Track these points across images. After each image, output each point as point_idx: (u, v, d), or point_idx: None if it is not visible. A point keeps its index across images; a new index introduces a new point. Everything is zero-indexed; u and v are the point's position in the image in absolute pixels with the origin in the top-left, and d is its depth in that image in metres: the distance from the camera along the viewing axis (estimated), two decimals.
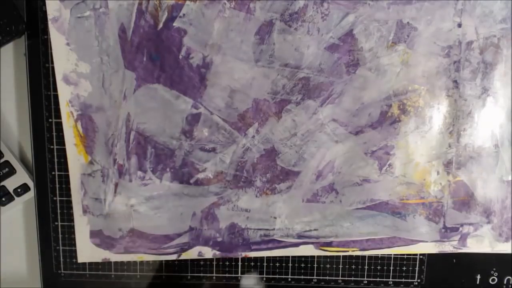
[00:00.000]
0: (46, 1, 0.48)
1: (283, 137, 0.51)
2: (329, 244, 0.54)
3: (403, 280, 0.56)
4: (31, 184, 0.54)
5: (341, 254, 0.55)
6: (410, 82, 0.50)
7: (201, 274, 0.56)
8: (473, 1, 0.49)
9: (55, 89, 0.51)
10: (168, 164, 0.52)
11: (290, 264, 0.56)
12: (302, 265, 0.56)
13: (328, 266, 0.56)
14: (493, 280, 0.56)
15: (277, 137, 0.51)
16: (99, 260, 0.55)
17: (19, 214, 0.57)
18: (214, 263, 0.56)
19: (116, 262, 0.56)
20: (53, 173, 0.54)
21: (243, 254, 0.55)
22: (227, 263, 0.56)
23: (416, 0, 0.49)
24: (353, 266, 0.56)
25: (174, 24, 0.49)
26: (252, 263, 0.56)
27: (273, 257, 0.55)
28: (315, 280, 0.56)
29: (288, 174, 0.52)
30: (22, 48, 0.52)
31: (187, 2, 0.48)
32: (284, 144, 0.51)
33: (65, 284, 0.56)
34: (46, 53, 0.51)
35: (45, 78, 0.52)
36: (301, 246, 0.54)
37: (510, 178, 0.53)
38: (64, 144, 0.52)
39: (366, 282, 0.56)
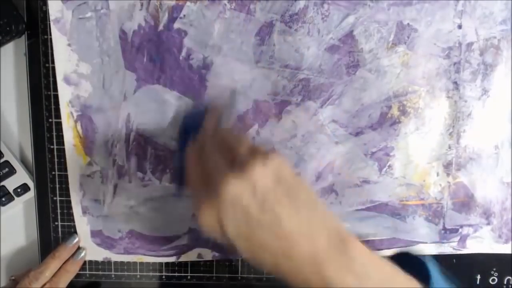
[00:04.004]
0: (49, 2, 0.48)
1: (283, 138, 0.51)
2: None
3: None
4: (31, 184, 0.54)
5: None
6: (410, 83, 0.50)
7: (201, 274, 0.56)
8: (473, 2, 0.49)
9: (55, 89, 0.51)
10: (168, 165, 0.52)
11: None
12: None
13: None
14: (493, 280, 0.56)
15: (277, 138, 0.51)
16: (100, 259, 0.55)
17: (19, 214, 0.57)
18: (214, 263, 0.56)
19: (116, 262, 0.56)
20: (53, 173, 0.54)
21: None
22: (227, 263, 0.56)
23: (416, 1, 0.49)
24: None
25: (174, 25, 0.49)
26: None
27: None
28: None
29: None
30: (22, 48, 0.52)
31: (188, 3, 0.48)
32: (284, 145, 0.51)
33: None
34: (46, 53, 0.51)
35: (45, 78, 0.51)
36: None
37: (510, 180, 0.53)
38: (64, 144, 0.52)
39: None
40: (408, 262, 0.39)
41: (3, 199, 0.54)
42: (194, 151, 0.41)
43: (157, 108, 0.51)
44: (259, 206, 0.34)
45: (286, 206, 0.35)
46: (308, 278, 0.34)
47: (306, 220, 0.35)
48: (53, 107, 0.52)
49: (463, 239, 0.54)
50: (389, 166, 0.52)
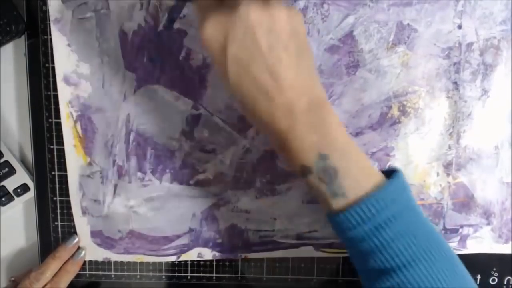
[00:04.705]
0: (48, 2, 0.48)
1: None
2: (329, 246, 0.54)
3: None
4: (31, 184, 0.54)
5: (341, 255, 0.55)
6: (410, 84, 0.50)
7: (201, 274, 0.56)
8: (473, 3, 0.49)
9: (55, 89, 0.51)
10: (168, 165, 0.52)
11: (290, 264, 0.56)
12: (302, 265, 0.56)
13: (328, 266, 0.56)
14: (493, 280, 0.56)
15: None
16: (100, 259, 0.55)
17: (19, 214, 0.57)
18: (214, 263, 0.56)
19: (116, 262, 0.56)
20: (53, 173, 0.54)
21: (243, 255, 0.55)
22: (227, 263, 0.56)
23: (416, 1, 0.49)
24: (353, 267, 0.56)
25: (174, 25, 0.49)
26: (252, 263, 0.56)
27: (272, 257, 0.55)
28: (315, 280, 0.56)
29: (288, 175, 0.52)
30: (22, 48, 0.52)
31: (188, 3, 0.48)
32: None
33: None
34: (46, 53, 0.51)
35: (45, 78, 0.52)
36: (301, 248, 0.54)
37: (510, 180, 0.53)
38: (64, 144, 0.52)
39: None
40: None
41: (3, 199, 0.54)
42: None
43: (157, 108, 0.51)
44: (270, 44, 0.34)
45: (292, 57, 0.35)
46: (277, 121, 0.36)
47: (301, 76, 0.36)
48: (53, 107, 0.52)
49: (463, 239, 0.54)
50: (389, 167, 0.52)
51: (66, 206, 0.54)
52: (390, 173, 0.39)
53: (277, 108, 0.36)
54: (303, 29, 0.37)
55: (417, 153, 0.52)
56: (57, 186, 0.54)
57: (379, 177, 0.38)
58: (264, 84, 0.35)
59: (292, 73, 0.35)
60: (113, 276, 0.56)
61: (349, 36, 0.49)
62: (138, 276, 0.56)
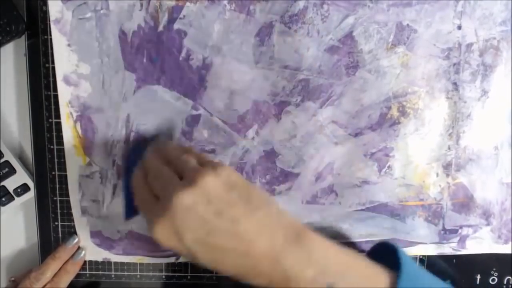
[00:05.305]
0: (49, 2, 0.48)
1: (283, 138, 0.51)
2: None
3: None
4: (31, 184, 0.54)
5: None
6: (409, 84, 0.50)
7: (201, 274, 0.56)
8: (473, 3, 0.49)
9: (55, 89, 0.51)
10: None
11: None
12: None
13: None
14: (493, 280, 0.56)
15: (277, 138, 0.51)
16: (100, 259, 0.55)
17: (19, 214, 0.57)
18: None
19: (116, 262, 0.56)
20: (53, 173, 0.54)
21: None
22: None
23: (416, 2, 0.49)
24: None
25: (174, 26, 0.49)
26: None
27: None
28: None
29: (288, 176, 0.52)
30: (22, 48, 0.52)
31: (188, 4, 0.48)
32: (283, 145, 0.51)
33: None
34: (46, 53, 0.51)
35: (45, 78, 0.52)
36: None
37: (509, 180, 0.53)
38: (64, 144, 0.52)
39: None
40: (383, 251, 0.41)
41: (3, 199, 0.54)
42: (140, 173, 0.42)
43: (156, 108, 0.51)
44: (215, 212, 0.36)
45: (242, 209, 0.36)
46: (268, 274, 0.35)
47: (262, 219, 0.36)
48: (53, 107, 0.52)
49: (462, 240, 0.54)
50: (389, 167, 0.52)
51: (66, 206, 0.54)
52: (389, 250, 0.39)
53: (259, 260, 0.35)
54: (237, 177, 0.38)
55: (416, 154, 0.52)
56: (57, 186, 0.54)
57: (388, 278, 0.37)
58: (233, 248, 0.35)
59: (251, 222, 0.36)
60: (113, 276, 0.56)
61: (349, 36, 0.49)
62: (138, 276, 0.56)
